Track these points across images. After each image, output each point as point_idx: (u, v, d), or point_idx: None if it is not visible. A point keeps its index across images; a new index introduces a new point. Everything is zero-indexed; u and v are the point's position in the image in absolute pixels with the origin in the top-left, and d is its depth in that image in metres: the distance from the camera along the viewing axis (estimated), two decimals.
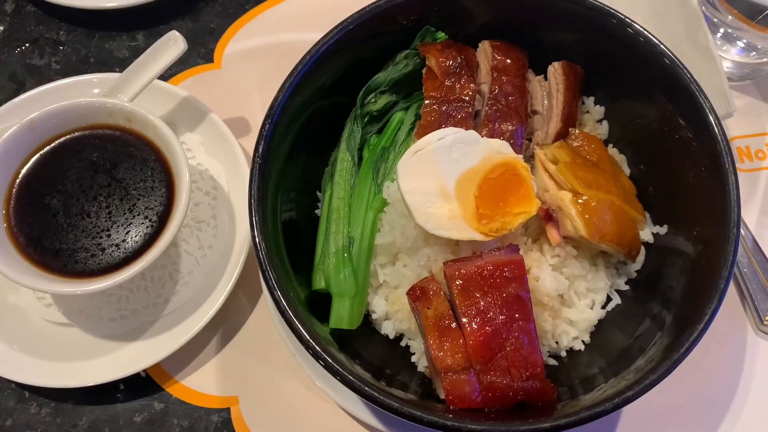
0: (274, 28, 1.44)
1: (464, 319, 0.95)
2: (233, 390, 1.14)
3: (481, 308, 0.94)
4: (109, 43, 1.43)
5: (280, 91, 1.04)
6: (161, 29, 1.45)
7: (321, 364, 0.90)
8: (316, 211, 1.12)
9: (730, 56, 1.38)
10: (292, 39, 1.47)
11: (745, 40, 1.37)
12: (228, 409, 1.13)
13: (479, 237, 0.96)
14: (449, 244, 1.00)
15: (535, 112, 1.13)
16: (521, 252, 1.00)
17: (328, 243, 1.07)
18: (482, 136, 1.00)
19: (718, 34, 1.37)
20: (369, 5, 1.09)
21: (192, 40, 1.43)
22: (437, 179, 0.97)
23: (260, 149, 1.00)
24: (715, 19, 1.35)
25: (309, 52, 1.06)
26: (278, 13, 1.47)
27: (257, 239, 0.95)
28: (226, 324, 1.17)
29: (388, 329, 1.04)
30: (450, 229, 0.96)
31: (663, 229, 1.08)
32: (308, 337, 0.90)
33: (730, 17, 1.35)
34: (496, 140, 1.00)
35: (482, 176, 0.98)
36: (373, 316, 1.05)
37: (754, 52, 1.37)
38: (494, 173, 0.98)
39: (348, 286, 1.04)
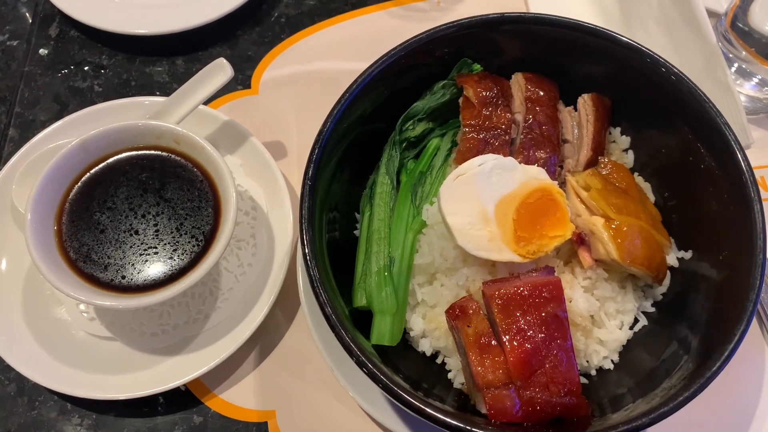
0: (309, 57, 1.49)
1: (505, 337, 0.99)
2: (271, 404, 1.17)
3: (521, 326, 0.99)
4: (149, 67, 1.48)
5: (328, 117, 1.09)
6: (200, 55, 1.49)
7: (365, 371, 0.93)
8: (355, 232, 1.15)
9: (745, 90, 1.44)
10: (325, 68, 1.53)
11: (759, 76, 1.43)
12: (266, 423, 1.15)
13: (517, 258, 1.00)
14: (486, 265, 1.04)
15: (565, 141, 1.18)
16: (556, 273, 1.05)
17: (370, 262, 1.12)
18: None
19: (733, 69, 1.43)
20: (410, 39, 1.15)
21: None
22: (477, 203, 1.00)
23: (310, 172, 1.05)
24: (731, 55, 1.41)
25: (355, 81, 1.11)
26: (312, 43, 1.51)
27: (308, 256, 0.99)
28: (263, 340, 1.20)
29: (425, 346, 1.07)
30: (490, 251, 1.00)
31: (688, 254, 1.12)
32: (356, 349, 0.94)
33: (744, 53, 1.41)
34: (533, 167, 1.05)
35: (520, 201, 1.01)
36: (411, 334, 1.08)
37: (766, 88, 1.44)
38: (531, 198, 1.01)
39: (389, 304, 1.08)
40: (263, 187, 1.33)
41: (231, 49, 1.49)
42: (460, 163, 1.08)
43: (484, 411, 0.99)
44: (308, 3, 1.55)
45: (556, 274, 1.08)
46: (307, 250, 1.00)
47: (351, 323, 1.04)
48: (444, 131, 1.17)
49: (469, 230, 1.04)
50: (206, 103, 1.48)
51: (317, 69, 1.47)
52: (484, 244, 0.98)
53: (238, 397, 1.16)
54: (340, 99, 1.09)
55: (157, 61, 1.46)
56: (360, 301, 1.11)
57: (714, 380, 0.88)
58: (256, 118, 1.40)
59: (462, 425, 0.90)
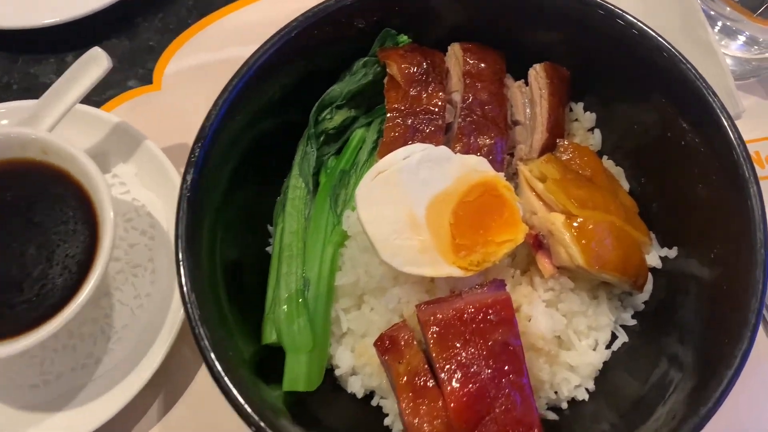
0: (221, 44, 1.29)
1: (443, 375, 0.78)
2: None
3: (463, 361, 0.77)
4: (34, 67, 1.26)
5: (212, 110, 0.87)
6: None
7: None
8: (268, 249, 0.94)
9: (731, 52, 1.24)
10: (241, 55, 1.29)
11: (746, 34, 1.23)
12: None
13: (457, 272, 0.81)
14: (423, 282, 0.85)
15: (516, 123, 0.97)
16: (508, 287, 0.86)
17: (279, 287, 0.90)
18: (455, 152, 0.88)
19: (716, 28, 1.23)
20: (315, 6, 0.94)
21: (129, 60, 1.29)
22: (404, 205, 0.84)
23: (189, 179, 0.83)
24: (712, 12, 1.21)
25: (246, 63, 0.90)
26: (225, 26, 1.32)
27: (185, 289, 0.78)
28: (168, 384, 1.01)
29: (356, 387, 0.87)
30: (422, 265, 0.80)
31: (672, 252, 0.93)
32: (249, 410, 0.73)
33: (728, 9, 1.21)
34: (472, 156, 0.86)
35: (457, 200, 0.85)
36: (338, 372, 0.88)
37: (756, 47, 1.24)
38: (471, 195, 0.85)
39: (303, 339, 0.87)
40: (163, 199, 1.11)
41: (130, 40, 1.29)
42: (384, 157, 0.87)
43: None
44: None
45: (510, 286, 0.87)
46: (184, 281, 0.78)
47: (253, 370, 0.83)
48: (370, 119, 0.98)
49: (395, 241, 0.83)
50: (100, 104, 1.27)
51: (231, 57, 1.26)
52: (415, 257, 0.79)
53: None
54: (227, 87, 0.88)
55: (44, 59, 1.25)
56: (270, 337, 0.90)
57: (722, 404, 0.75)
58: (158, 117, 1.20)
59: None
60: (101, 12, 1.29)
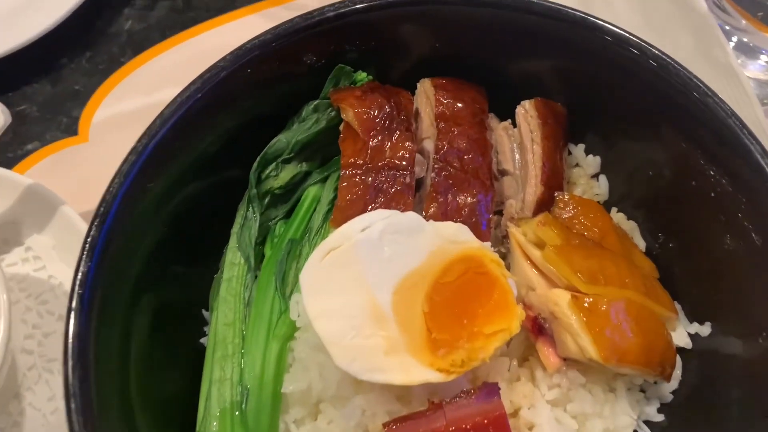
0: (158, 85, 1.15)
1: None
2: None
3: None
4: None
5: (115, 178, 0.69)
6: (10, 97, 1.11)
7: None
8: (203, 340, 0.75)
9: (749, 73, 1.07)
10: None
11: (765, 51, 1.05)
12: None
13: (436, 377, 0.68)
14: (393, 388, 0.70)
15: (503, 173, 0.81)
16: (503, 387, 0.70)
17: (211, 398, 0.71)
18: (428, 218, 0.75)
19: (731, 45, 1.05)
20: (250, 40, 0.75)
21: (50, 108, 1.16)
22: (364, 292, 0.68)
23: (82, 273, 0.64)
24: (727, 27, 1.04)
25: (160, 115, 0.72)
26: (162, 65, 1.20)
27: (73, 416, 0.59)
28: None
29: None
30: (389, 370, 0.66)
31: (705, 329, 0.75)
32: None
33: (744, 22, 1.04)
34: (450, 224, 0.74)
35: (433, 281, 0.70)
36: None
37: None
38: (450, 275, 0.70)
39: None
40: None
41: (52, 84, 1.16)
42: (340, 225, 0.68)
43: None
44: (156, 14, 1.15)
45: (504, 387, 0.70)
46: (72, 406, 0.58)
47: None
48: (326, 174, 0.83)
49: (353, 340, 0.65)
50: (15, 161, 1.09)
51: (169, 99, 1.06)
52: (380, 360, 0.67)
53: None
54: (136, 146, 0.70)
55: None
56: None
57: None
58: (84, 176, 1.06)
59: None
60: (19, 52, 1.11)
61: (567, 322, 0.70)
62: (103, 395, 0.65)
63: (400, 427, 0.64)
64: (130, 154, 0.71)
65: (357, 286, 0.68)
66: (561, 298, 0.72)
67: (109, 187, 0.70)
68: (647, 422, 0.79)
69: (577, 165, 0.90)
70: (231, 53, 0.76)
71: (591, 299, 0.71)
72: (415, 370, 0.67)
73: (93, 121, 1.13)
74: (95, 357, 0.65)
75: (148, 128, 0.72)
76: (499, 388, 0.66)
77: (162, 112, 0.73)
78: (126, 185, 0.70)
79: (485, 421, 0.61)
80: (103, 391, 0.65)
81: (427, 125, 0.82)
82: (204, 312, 0.84)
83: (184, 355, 0.81)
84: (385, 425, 0.65)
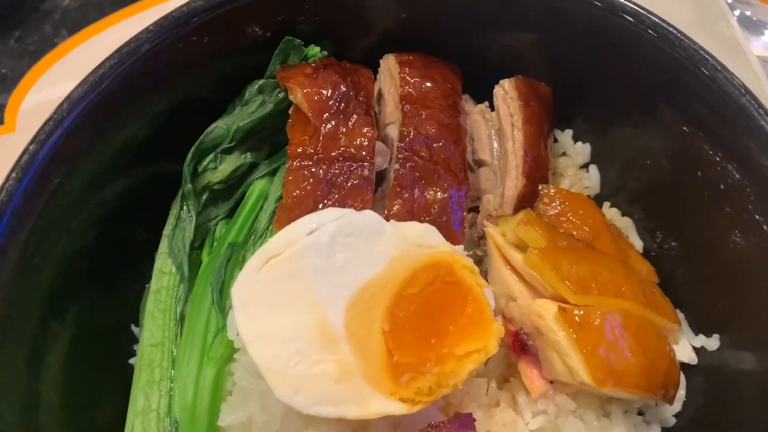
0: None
1: None
2: None
3: None
4: None
5: (13, 170, 0.58)
6: None
7: None
8: (131, 361, 0.64)
9: (754, 50, 0.96)
10: None
11: None
12: None
13: (398, 408, 0.58)
14: (349, 422, 0.56)
15: (479, 164, 0.75)
16: (479, 415, 0.61)
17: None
18: (389, 218, 0.66)
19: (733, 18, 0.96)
20: (178, 8, 0.64)
21: None
22: (310, 309, 0.58)
23: None
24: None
25: (68, 98, 0.61)
26: (102, 45, 1.06)
27: None
28: None
29: None
30: (341, 402, 0.59)
31: (713, 342, 0.66)
32: None
33: None
34: (415, 224, 0.63)
35: (394, 293, 0.59)
36: None
37: None
38: (415, 285, 0.60)
39: None
40: None
41: None
42: (283, 227, 0.57)
43: None
44: None
45: (480, 415, 0.62)
46: None
47: None
48: (275, 165, 0.72)
49: (296, 367, 0.56)
50: None
51: None
52: (329, 389, 0.57)
53: None
54: (41, 131, 0.58)
55: None
56: None
57: None
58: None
59: None
60: None
61: (554, 338, 0.60)
62: None
63: None
64: (31, 143, 0.60)
65: (302, 301, 0.57)
66: (546, 310, 0.61)
67: (5, 184, 0.58)
68: None
69: (564, 154, 0.83)
70: (155, 23, 0.64)
71: (581, 312, 0.60)
72: (374, 401, 0.56)
73: (21, 109, 1.05)
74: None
75: (54, 113, 0.61)
76: (474, 420, 0.56)
77: (69, 95, 0.62)
78: (25, 182, 0.59)
79: None
80: None
81: (390, 108, 0.72)
82: (134, 328, 0.73)
83: (110, 380, 0.70)
84: None
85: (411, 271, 0.60)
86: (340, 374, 0.57)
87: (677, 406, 0.70)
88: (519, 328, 0.64)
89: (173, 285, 0.68)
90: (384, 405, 0.57)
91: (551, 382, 0.63)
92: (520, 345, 0.64)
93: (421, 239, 0.60)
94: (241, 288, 0.56)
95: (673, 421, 0.71)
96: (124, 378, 0.71)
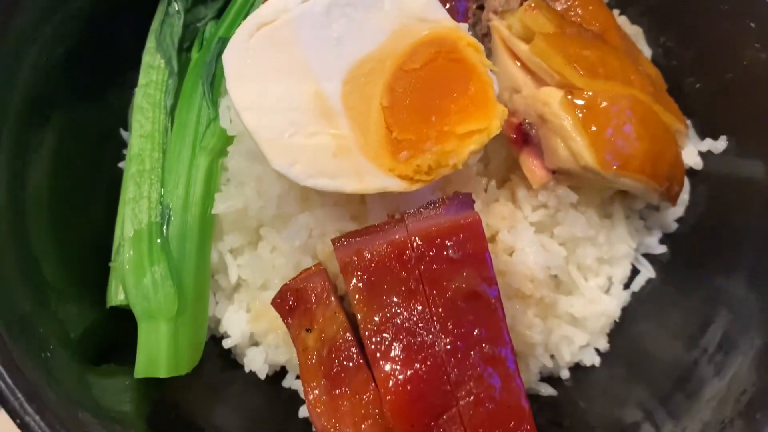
0: None
1: (374, 349, 0.48)
2: None
3: (405, 325, 0.48)
4: None
5: None
6: None
7: None
8: (121, 164, 0.62)
9: None
10: None
11: None
12: None
13: (396, 185, 0.56)
14: (345, 203, 0.60)
15: None
16: (478, 206, 0.57)
17: (125, 221, 0.58)
18: None
19: None
20: None
21: None
22: (305, 80, 0.56)
23: None
24: None
25: None
26: None
27: None
28: None
29: (257, 363, 0.66)
30: (338, 176, 0.55)
31: (720, 144, 0.63)
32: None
33: None
34: None
35: (394, 68, 0.57)
36: (228, 343, 0.64)
37: None
38: (416, 60, 0.57)
39: (162, 298, 0.58)
40: None
41: None
42: None
43: None
44: None
45: (479, 206, 0.61)
46: None
47: (88, 355, 0.56)
48: None
49: (292, 138, 0.53)
50: None
51: None
52: (326, 162, 0.55)
53: None
54: None
55: None
56: (115, 297, 0.60)
57: None
58: None
59: None
60: None
61: (559, 123, 0.58)
62: None
63: (352, 242, 0.51)
64: None
65: (297, 72, 0.54)
66: (551, 97, 0.59)
67: None
68: (647, 255, 0.69)
69: None
70: None
71: (590, 94, 0.58)
72: (371, 177, 0.54)
73: None
74: None
75: None
76: (474, 200, 0.54)
77: None
78: None
79: (454, 226, 0.49)
80: None
81: None
82: (123, 132, 0.70)
83: (101, 180, 0.67)
84: (333, 240, 0.53)
85: (412, 46, 0.56)
86: (337, 148, 0.54)
87: (680, 210, 0.69)
88: (522, 120, 0.62)
89: (162, 80, 0.65)
90: (382, 180, 0.55)
91: (553, 172, 0.62)
92: (522, 137, 0.62)
93: (424, 13, 0.56)
94: (232, 54, 0.53)
95: (674, 226, 0.70)
96: (117, 180, 0.69)
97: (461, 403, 0.50)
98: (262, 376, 0.64)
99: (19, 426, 0.47)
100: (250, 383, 0.65)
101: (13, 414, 0.47)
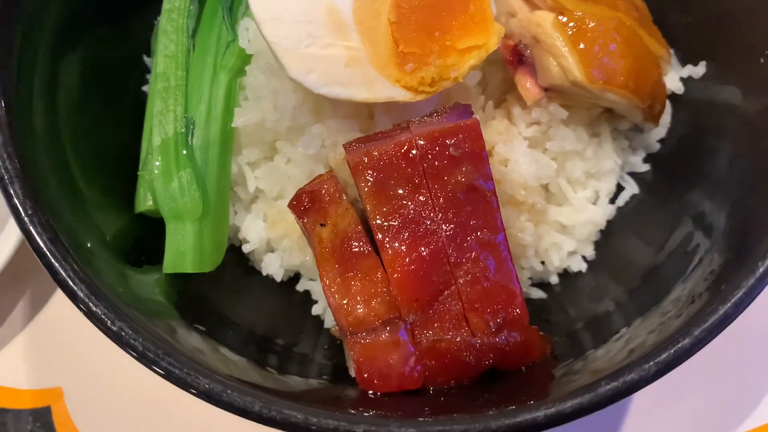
0: None
1: (382, 237, 0.53)
2: (54, 380, 0.79)
3: (411, 215, 0.54)
4: None
5: None
6: None
7: (133, 354, 0.48)
8: (145, 88, 0.67)
9: None
10: None
11: None
12: (48, 408, 0.78)
13: (402, 95, 0.61)
14: (355, 115, 0.66)
15: None
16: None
17: (153, 133, 0.63)
18: None
19: None
20: None
21: None
22: None
23: None
24: None
25: None
26: None
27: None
28: (34, 288, 0.81)
29: (273, 267, 0.71)
30: (350, 84, 0.60)
31: (699, 69, 0.69)
32: (92, 306, 0.48)
33: None
34: None
35: None
36: (247, 248, 0.69)
37: None
38: None
39: (188, 201, 0.63)
40: None
41: None
42: None
43: (354, 375, 0.54)
44: None
45: (480, 121, 0.61)
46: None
47: (121, 254, 0.61)
48: None
49: (308, 49, 0.58)
50: None
51: None
52: (339, 72, 0.60)
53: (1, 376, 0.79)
54: None
55: None
56: (144, 203, 0.66)
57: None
58: None
59: (302, 418, 0.46)
60: None
61: (551, 42, 0.63)
62: (31, 146, 0.57)
63: (362, 145, 0.57)
64: None
65: None
66: (544, 19, 0.64)
67: None
68: (631, 174, 0.75)
69: None
70: None
71: (579, 14, 0.63)
72: (380, 86, 0.60)
73: None
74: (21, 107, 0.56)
75: None
76: (473, 112, 0.59)
77: None
78: None
79: (455, 128, 0.55)
80: (31, 142, 0.57)
81: None
82: (146, 58, 0.75)
83: (124, 104, 0.73)
84: (345, 145, 0.58)
85: None
86: (349, 59, 0.60)
87: (662, 131, 0.74)
88: (517, 41, 0.67)
89: (185, 5, 0.69)
90: (389, 90, 0.60)
91: (546, 90, 0.67)
92: (517, 57, 0.67)
93: None
94: None
95: (657, 146, 0.75)
96: (137, 104, 0.74)
97: (460, 281, 0.55)
98: (278, 279, 0.69)
99: (86, 314, 0.51)
100: (267, 286, 0.70)
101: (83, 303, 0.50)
